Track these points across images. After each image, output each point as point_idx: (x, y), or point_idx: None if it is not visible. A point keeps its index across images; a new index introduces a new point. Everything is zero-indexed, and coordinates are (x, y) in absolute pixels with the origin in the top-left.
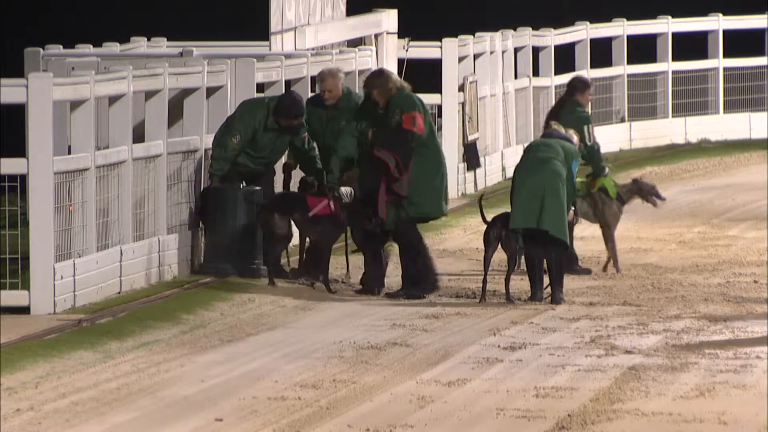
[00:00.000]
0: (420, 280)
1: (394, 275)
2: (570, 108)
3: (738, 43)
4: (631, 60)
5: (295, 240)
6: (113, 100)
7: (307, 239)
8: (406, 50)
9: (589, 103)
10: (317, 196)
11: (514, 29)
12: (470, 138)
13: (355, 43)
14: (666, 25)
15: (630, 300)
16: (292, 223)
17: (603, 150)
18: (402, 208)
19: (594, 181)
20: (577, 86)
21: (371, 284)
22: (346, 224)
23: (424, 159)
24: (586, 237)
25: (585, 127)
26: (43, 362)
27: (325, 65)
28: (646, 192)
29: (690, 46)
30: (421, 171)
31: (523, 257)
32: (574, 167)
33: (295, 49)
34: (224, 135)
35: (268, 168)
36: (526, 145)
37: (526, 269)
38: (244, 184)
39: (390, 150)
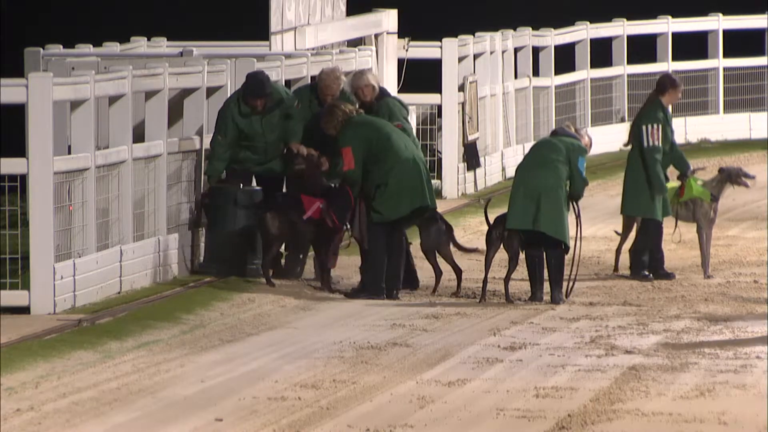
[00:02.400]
0: (366, 285)
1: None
2: (651, 106)
3: (738, 43)
4: (631, 60)
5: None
6: (113, 100)
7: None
8: (406, 50)
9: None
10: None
11: (514, 29)
12: (470, 138)
13: (355, 43)
14: (666, 25)
15: (630, 300)
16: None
17: (603, 150)
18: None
19: (682, 190)
20: (661, 85)
21: (371, 285)
22: (342, 225)
23: (375, 173)
24: (587, 237)
25: (644, 127)
26: (43, 362)
27: (325, 65)
28: (735, 177)
29: (690, 46)
30: (374, 183)
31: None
32: (581, 163)
33: (295, 49)
34: (212, 137)
35: (270, 156)
36: (529, 144)
37: (527, 270)
38: (255, 184)
39: (332, 204)
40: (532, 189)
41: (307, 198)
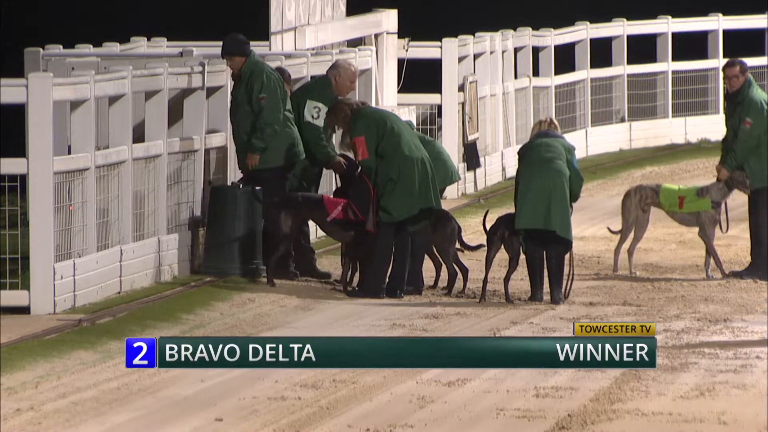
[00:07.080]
0: (367, 284)
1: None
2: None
3: (738, 43)
4: (631, 60)
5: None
6: (113, 100)
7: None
8: (406, 50)
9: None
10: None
11: (514, 29)
12: (470, 138)
13: (355, 43)
14: (666, 25)
15: (630, 300)
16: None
17: (603, 150)
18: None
19: (682, 202)
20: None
21: (372, 284)
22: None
23: (383, 169)
24: (587, 237)
25: None
26: (43, 362)
27: (326, 65)
28: (736, 183)
29: (690, 46)
30: (383, 179)
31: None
32: (575, 162)
33: (295, 49)
34: None
35: (239, 144)
36: (522, 145)
37: (527, 270)
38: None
39: (353, 198)
40: (542, 189)
41: (329, 199)
